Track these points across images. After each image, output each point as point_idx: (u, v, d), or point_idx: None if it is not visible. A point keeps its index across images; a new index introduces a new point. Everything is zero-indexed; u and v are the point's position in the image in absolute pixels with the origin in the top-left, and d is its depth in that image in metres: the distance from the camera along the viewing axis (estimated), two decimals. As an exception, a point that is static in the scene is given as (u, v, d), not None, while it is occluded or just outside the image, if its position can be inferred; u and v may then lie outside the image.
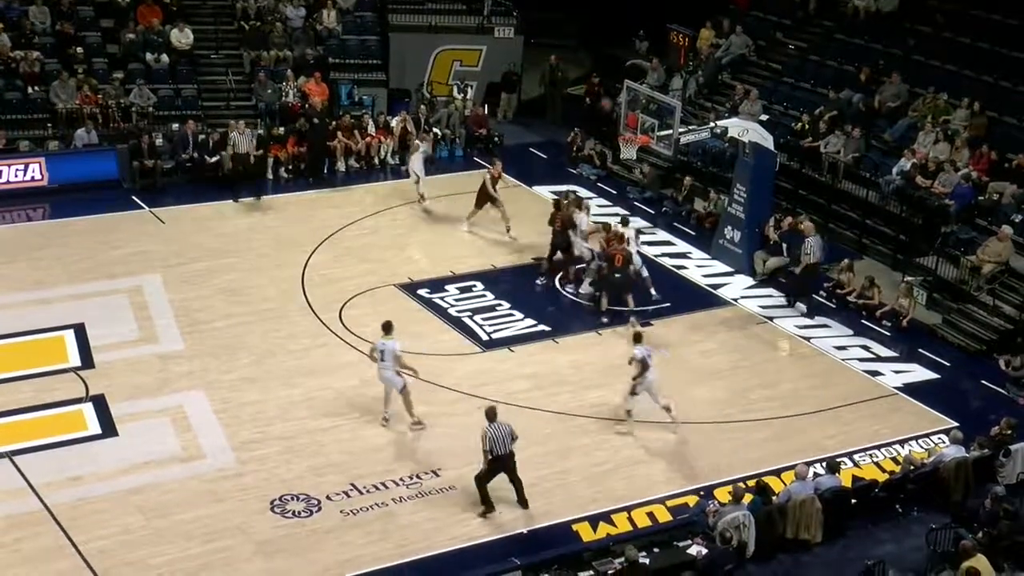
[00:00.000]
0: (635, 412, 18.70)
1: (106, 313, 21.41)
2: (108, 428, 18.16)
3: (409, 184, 27.05)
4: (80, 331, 20.65)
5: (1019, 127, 25.77)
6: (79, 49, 28.90)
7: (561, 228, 23.54)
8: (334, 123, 29.05)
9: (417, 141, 27.54)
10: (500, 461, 16.37)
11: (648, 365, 18.32)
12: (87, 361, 19.85)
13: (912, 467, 17.70)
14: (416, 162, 26.64)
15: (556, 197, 25.15)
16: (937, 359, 21.64)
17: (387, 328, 18.27)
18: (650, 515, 16.89)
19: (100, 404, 18.66)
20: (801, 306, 23.04)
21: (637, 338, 18.80)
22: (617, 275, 22.24)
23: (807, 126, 27.55)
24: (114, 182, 27.06)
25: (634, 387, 18.48)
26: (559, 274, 23.72)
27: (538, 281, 23.62)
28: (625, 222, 23.89)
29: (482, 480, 16.51)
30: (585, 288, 23.02)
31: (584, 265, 23.47)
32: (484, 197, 25.42)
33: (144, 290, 22.39)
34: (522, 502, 16.68)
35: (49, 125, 27.57)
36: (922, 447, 18.83)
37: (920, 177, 24.99)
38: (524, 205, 26.40)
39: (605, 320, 22.22)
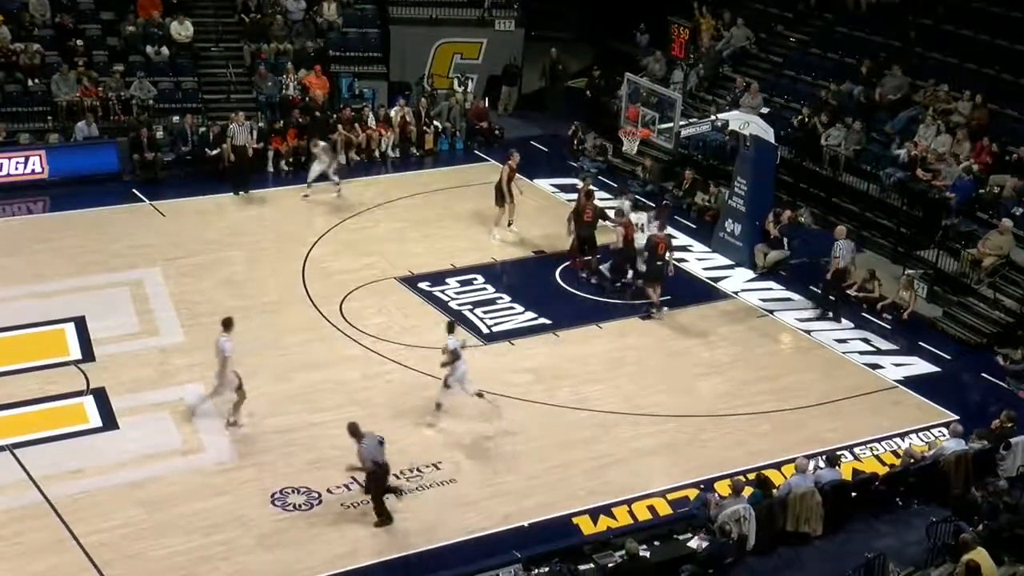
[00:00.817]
0: (446, 406, 18.50)
1: (107, 306, 21.42)
2: (109, 421, 18.17)
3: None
4: (81, 324, 20.65)
5: (1020, 120, 25.73)
6: (79, 42, 28.87)
7: (591, 220, 23.36)
8: (334, 116, 29.04)
9: (315, 149, 26.79)
10: (385, 468, 16.05)
11: (459, 356, 18.15)
12: (88, 354, 19.85)
13: (912, 460, 17.72)
14: (314, 170, 26.37)
15: (590, 189, 24.71)
16: (938, 352, 21.63)
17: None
18: (650, 508, 16.88)
19: (101, 397, 18.66)
20: (838, 317, 22.56)
21: (450, 328, 18.57)
22: (659, 263, 22.16)
23: (807, 119, 27.53)
24: (114, 175, 27.08)
25: (447, 379, 18.26)
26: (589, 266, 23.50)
27: (582, 275, 23.43)
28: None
29: (378, 494, 16.11)
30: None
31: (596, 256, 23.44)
32: (502, 192, 25.05)
33: (144, 283, 22.40)
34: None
35: (49, 118, 27.54)
36: (922, 440, 18.85)
37: (920, 170, 24.98)
38: (523, 198, 26.34)
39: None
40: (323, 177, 26.49)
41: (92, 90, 27.87)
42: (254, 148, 27.53)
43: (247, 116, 27.55)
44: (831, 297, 22.77)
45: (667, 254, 22.24)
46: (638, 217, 23.67)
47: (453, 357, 18.17)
